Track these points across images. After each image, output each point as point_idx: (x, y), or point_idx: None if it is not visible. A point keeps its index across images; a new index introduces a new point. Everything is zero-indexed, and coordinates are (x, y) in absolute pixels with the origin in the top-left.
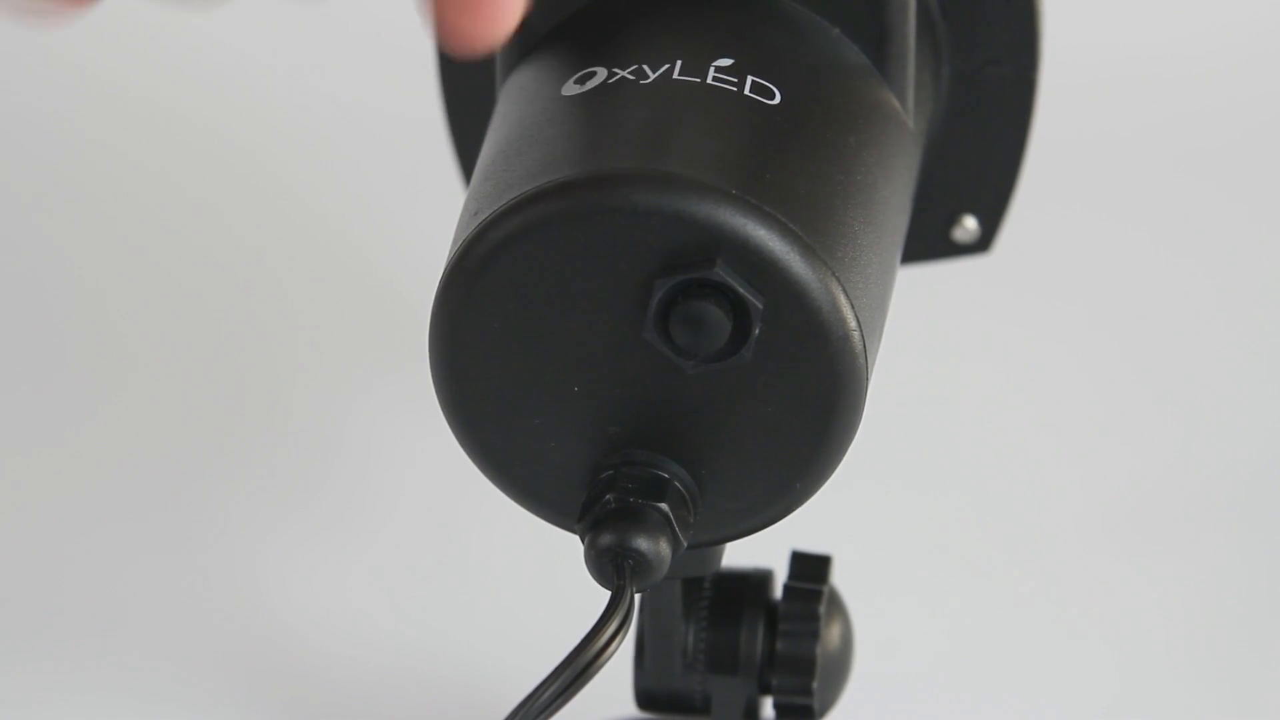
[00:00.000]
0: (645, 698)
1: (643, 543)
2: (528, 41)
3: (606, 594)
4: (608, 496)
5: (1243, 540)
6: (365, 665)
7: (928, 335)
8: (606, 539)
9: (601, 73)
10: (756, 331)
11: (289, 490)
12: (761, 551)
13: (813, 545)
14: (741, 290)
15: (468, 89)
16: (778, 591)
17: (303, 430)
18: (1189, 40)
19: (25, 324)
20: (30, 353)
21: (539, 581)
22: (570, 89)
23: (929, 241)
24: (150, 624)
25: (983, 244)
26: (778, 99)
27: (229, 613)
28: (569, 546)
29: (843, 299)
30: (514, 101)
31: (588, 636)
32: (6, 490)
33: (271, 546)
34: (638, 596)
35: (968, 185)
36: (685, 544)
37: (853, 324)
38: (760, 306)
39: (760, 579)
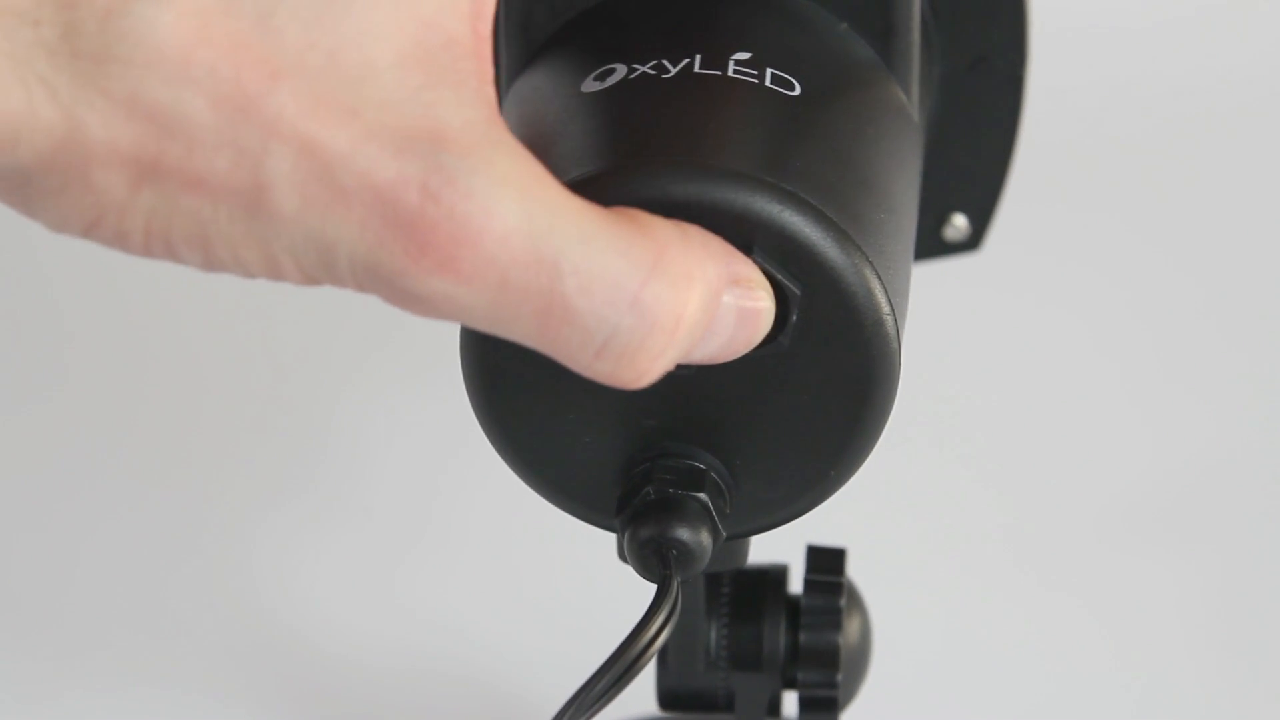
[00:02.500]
0: (669, 697)
1: (684, 533)
2: (532, 46)
3: (597, 585)
4: (646, 489)
5: (1247, 538)
6: (350, 659)
7: (923, 333)
8: (648, 531)
9: (621, 69)
10: (794, 318)
11: (281, 480)
12: (760, 550)
13: (811, 541)
14: (779, 277)
15: None
16: (794, 586)
17: (294, 419)
18: (1179, 37)
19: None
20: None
21: (533, 572)
22: (590, 86)
23: (920, 240)
24: (141, 620)
25: (973, 242)
26: (798, 90)
27: (220, 606)
28: (560, 541)
29: (877, 284)
30: (529, 102)
31: (636, 628)
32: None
33: (264, 538)
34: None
35: (958, 183)
36: (724, 534)
37: (886, 309)
38: (798, 293)
39: (778, 574)
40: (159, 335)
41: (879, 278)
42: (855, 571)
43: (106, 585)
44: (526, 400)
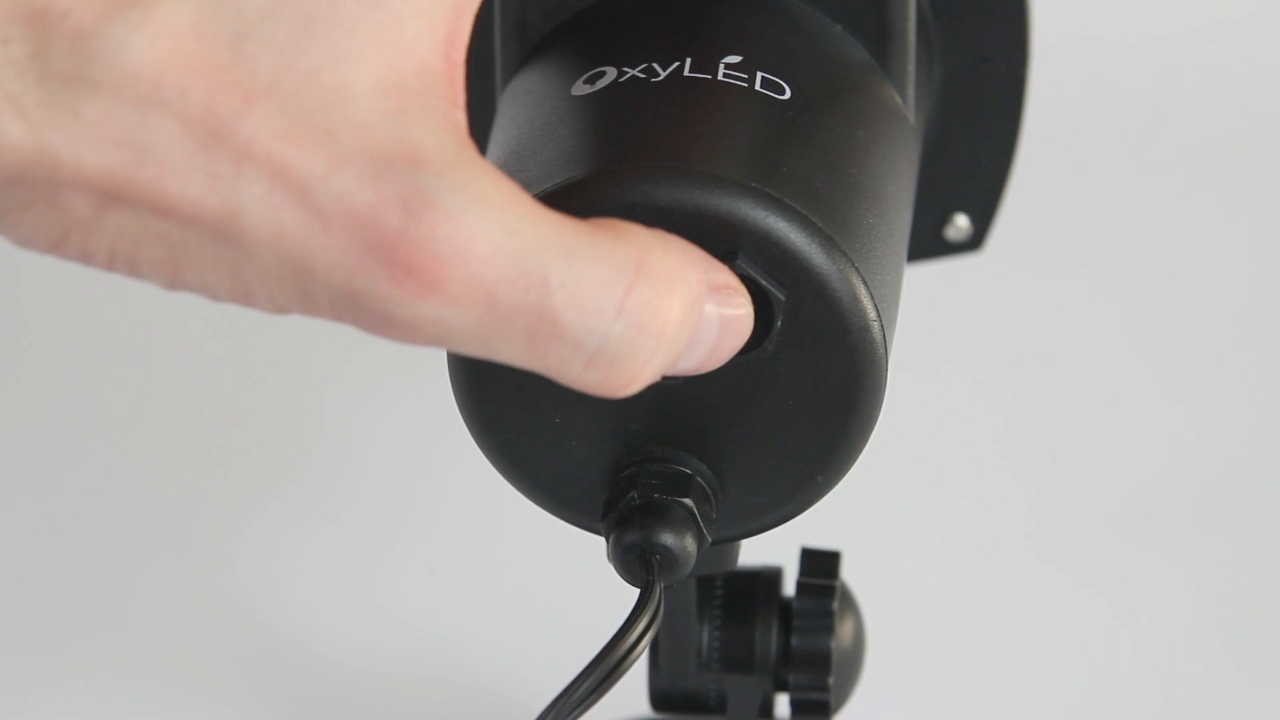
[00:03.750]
0: (660, 698)
1: (669, 538)
2: (527, 45)
3: (583, 587)
4: (631, 494)
5: (1272, 535)
6: (333, 659)
7: (921, 332)
8: (632, 535)
9: (611, 72)
10: (779, 323)
11: (266, 479)
12: (758, 549)
13: (807, 542)
14: (763, 282)
15: (467, 94)
16: (788, 588)
17: (279, 418)
18: (1181, 35)
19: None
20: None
21: (518, 574)
22: (580, 89)
23: (922, 241)
24: (123, 619)
25: (975, 242)
26: (788, 94)
27: (204, 605)
28: (546, 543)
29: (863, 290)
30: (521, 104)
31: (618, 633)
32: None
33: (248, 538)
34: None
35: (959, 183)
36: (709, 539)
37: (873, 314)
38: (782, 298)
39: (771, 576)
40: (144, 336)
41: (865, 283)
42: (867, 570)
43: (87, 583)
44: (513, 404)
